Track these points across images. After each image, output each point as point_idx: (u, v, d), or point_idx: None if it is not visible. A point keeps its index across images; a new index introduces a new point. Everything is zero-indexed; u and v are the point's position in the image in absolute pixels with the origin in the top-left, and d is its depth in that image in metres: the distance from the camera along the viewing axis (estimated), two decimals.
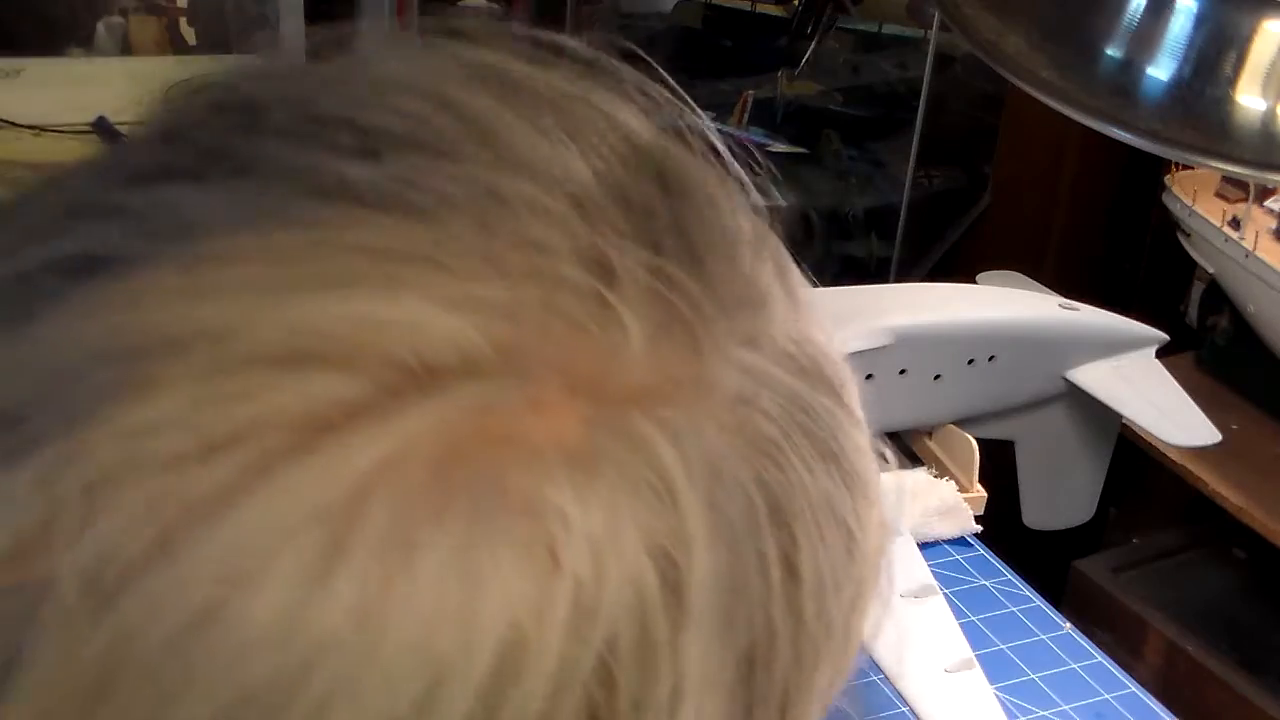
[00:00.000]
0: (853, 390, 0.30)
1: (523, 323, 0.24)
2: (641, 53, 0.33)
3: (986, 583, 0.96)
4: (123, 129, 1.41)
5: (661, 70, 0.32)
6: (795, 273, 0.31)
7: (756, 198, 0.31)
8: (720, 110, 1.58)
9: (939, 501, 0.97)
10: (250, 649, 0.22)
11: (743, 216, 0.29)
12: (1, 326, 0.25)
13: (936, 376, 0.97)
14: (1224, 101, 0.64)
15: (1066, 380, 1.04)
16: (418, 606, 0.23)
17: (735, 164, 0.31)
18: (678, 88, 0.32)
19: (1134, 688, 0.89)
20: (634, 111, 0.30)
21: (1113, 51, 0.66)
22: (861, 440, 0.30)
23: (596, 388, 0.24)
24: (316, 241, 0.25)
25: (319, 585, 0.22)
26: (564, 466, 0.24)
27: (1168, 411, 1.04)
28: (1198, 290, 1.50)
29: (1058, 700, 0.86)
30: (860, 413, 0.30)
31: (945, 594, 0.89)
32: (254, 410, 0.23)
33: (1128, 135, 0.65)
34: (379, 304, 0.24)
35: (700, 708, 0.25)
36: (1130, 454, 1.24)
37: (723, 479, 0.25)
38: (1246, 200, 1.37)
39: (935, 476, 0.99)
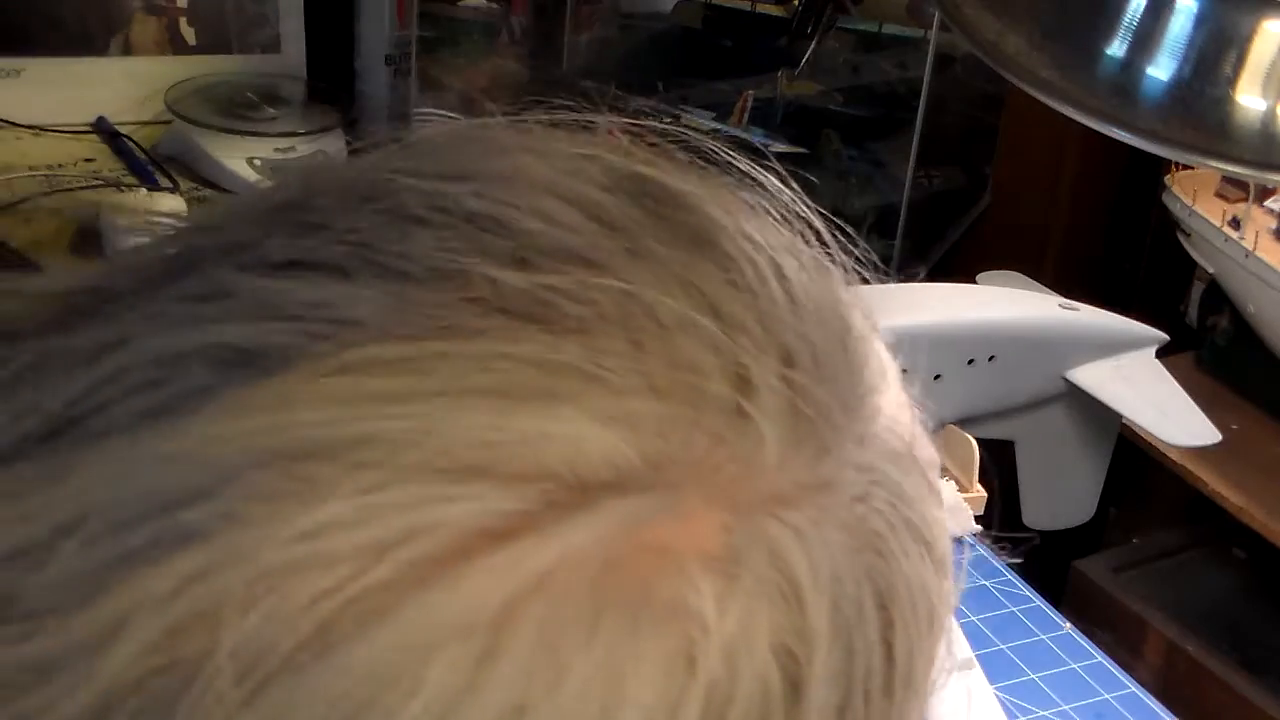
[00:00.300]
0: (935, 463, 0.32)
1: (671, 438, 0.25)
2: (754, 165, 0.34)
3: (986, 583, 0.96)
4: (123, 129, 1.40)
5: (774, 162, 0.33)
6: (885, 349, 0.32)
7: (843, 261, 0.32)
8: (720, 110, 1.58)
9: None
10: None
11: (850, 309, 0.31)
12: (151, 415, 0.26)
13: (936, 376, 0.97)
14: (1224, 101, 0.64)
15: (1066, 380, 1.04)
16: (561, 714, 0.24)
17: (834, 246, 0.32)
18: (780, 168, 0.33)
19: (1134, 688, 0.89)
20: (753, 214, 0.31)
21: (1113, 51, 0.65)
22: (942, 515, 0.31)
23: (735, 496, 0.26)
24: (473, 353, 0.25)
25: (469, 692, 0.23)
26: (705, 574, 0.25)
27: (1168, 411, 1.04)
28: (1198, 290, 1.50)
29: (1058, 700, 0.86)
30: (939, 485, 0.32)
31: None
32: (416, 519, 0.24)
33: (1128, 135, 0.65)
34: (538, 419, 0.25)
35: None
36: (1130, 454, 1.24)
37: (842, 579, 0.27)
38: (1246, 200, 1.37)
39: None
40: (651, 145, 0.32)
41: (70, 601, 0.25)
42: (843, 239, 0.32)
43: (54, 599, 0.25)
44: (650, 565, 0.25)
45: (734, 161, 0.33)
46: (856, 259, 0.33)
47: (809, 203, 0.32)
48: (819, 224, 0.32)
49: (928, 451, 0.31)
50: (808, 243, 0.32)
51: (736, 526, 0.26)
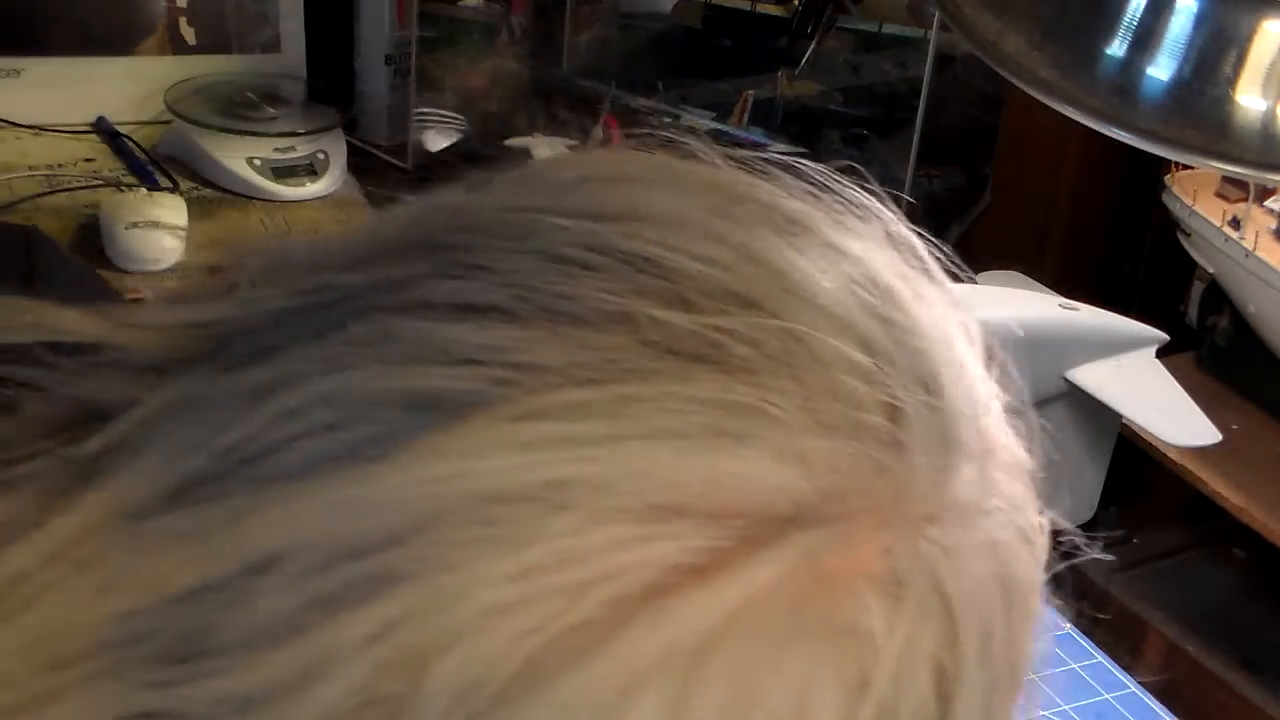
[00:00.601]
0: (1029, 466, 0.34)
1: (839, 470, 0.27)
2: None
3: None
4: (123, 129, 1.40)
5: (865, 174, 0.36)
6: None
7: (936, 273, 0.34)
8: (720, 110, 1.58)
9: None
10: None
11: (959, 327, 0.32)
12: (334, 459, 0.27)
13: None
14: (1224, 101, 0.64)
15: (1066, 380, 1.04)
16: None
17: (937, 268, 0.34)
18: (879, 190, 0.35)
19: (1134, 688, 0.89)
20: (866, 239, 0.33)
21: (1113, 51, 0.65)
22: (1039, 516, 0.33)
23: (893, 520, 0.28)
24: (653, 395, 0.27)
25: None
26: (874, 596, 0.27)
27: (1168, 411, 1.04)
28: (1198, 290, 1.50)
29: (1058, 700, 0.86)
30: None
31: None
32: (616, 559, 0.25)
33: (1128, 135, 0.65)
34: (723, 459, 0.26)
35: None
36: (1130, 454, 1.24)
37: (983, 592, 0.29)
38: (1246, 200, 1.37)
39: None
40: (761, 172, 0.33)
41: (268, 640, 0.26)
42: (941, 256, 0.35)
43: (250, 637, 0.26)
44: (828, 593, 0.26)
45: (830, 184, 0.34)
46: (952, 275, 0.35)
47: (908, 224, 0.34)
48: (918, 244, 0.34)
49: (1023, 455, 0.33)
50: (908, 263, 0.33)
51: (897, 549, 0.27)
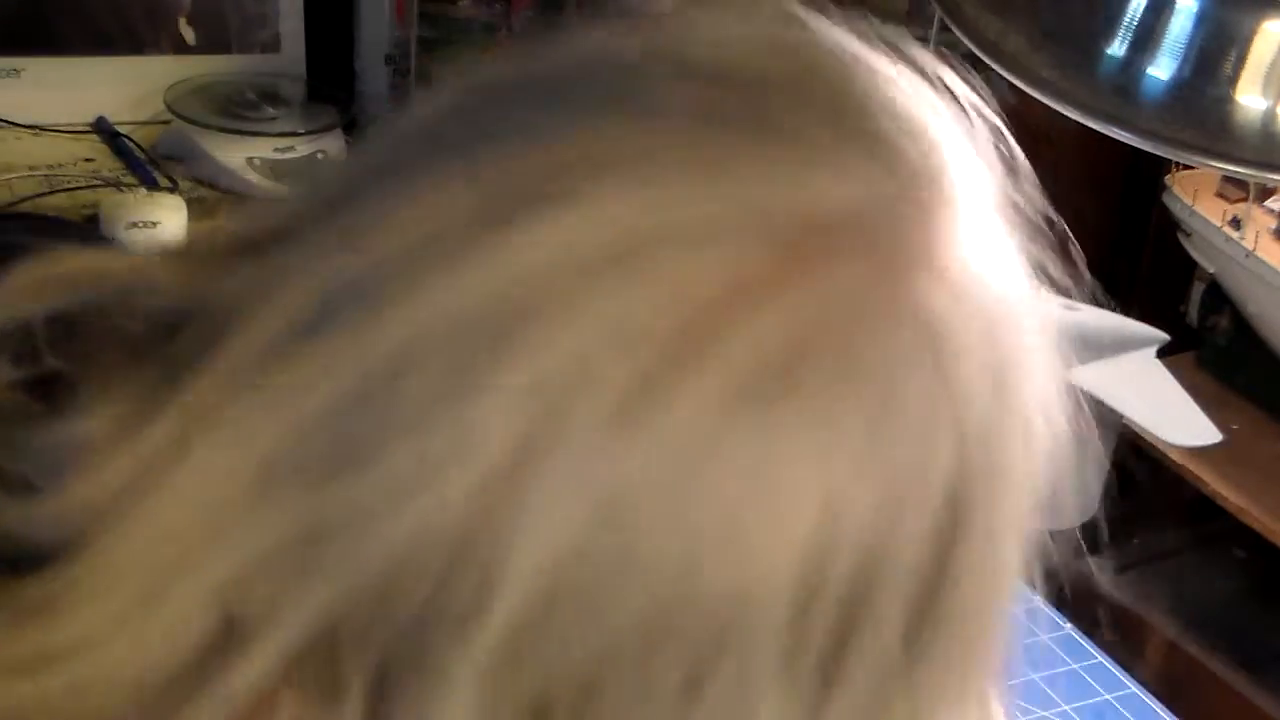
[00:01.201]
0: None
1: (888, 200, 0.31)
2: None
3: None
4: (122, 129, 1.40)
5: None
6: None
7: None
8: None
9: None
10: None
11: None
12: (450, 260, 0.30)
13: None
14: (1224, 101, 0.64)
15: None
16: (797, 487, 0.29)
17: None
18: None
19: (1134, 688, 0.89)
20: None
21: (1113, 51, 0.65)
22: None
23: (941, 262, 0.31)
24: (732, 145, 0.30)
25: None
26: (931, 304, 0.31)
27: (1168, 411, 1.04)
28: (1198, 290, 1.50)
29: (1058, 700, 0.86)
30: None
31: None
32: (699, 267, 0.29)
33: (1128, 135, 0.65)
34: (816, 183, 0.30)
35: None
36: (1130, 454, 1.24)
37: (980, 354, 0.32)
38: (1246, 200, 1.37)
39: None
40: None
41: (426, 414, 0.29)
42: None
43: (406, 420, 0.29)
44: (895, 285, 0.30)
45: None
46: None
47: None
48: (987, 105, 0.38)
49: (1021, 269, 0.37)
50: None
51: (934, 289, 0.31)
